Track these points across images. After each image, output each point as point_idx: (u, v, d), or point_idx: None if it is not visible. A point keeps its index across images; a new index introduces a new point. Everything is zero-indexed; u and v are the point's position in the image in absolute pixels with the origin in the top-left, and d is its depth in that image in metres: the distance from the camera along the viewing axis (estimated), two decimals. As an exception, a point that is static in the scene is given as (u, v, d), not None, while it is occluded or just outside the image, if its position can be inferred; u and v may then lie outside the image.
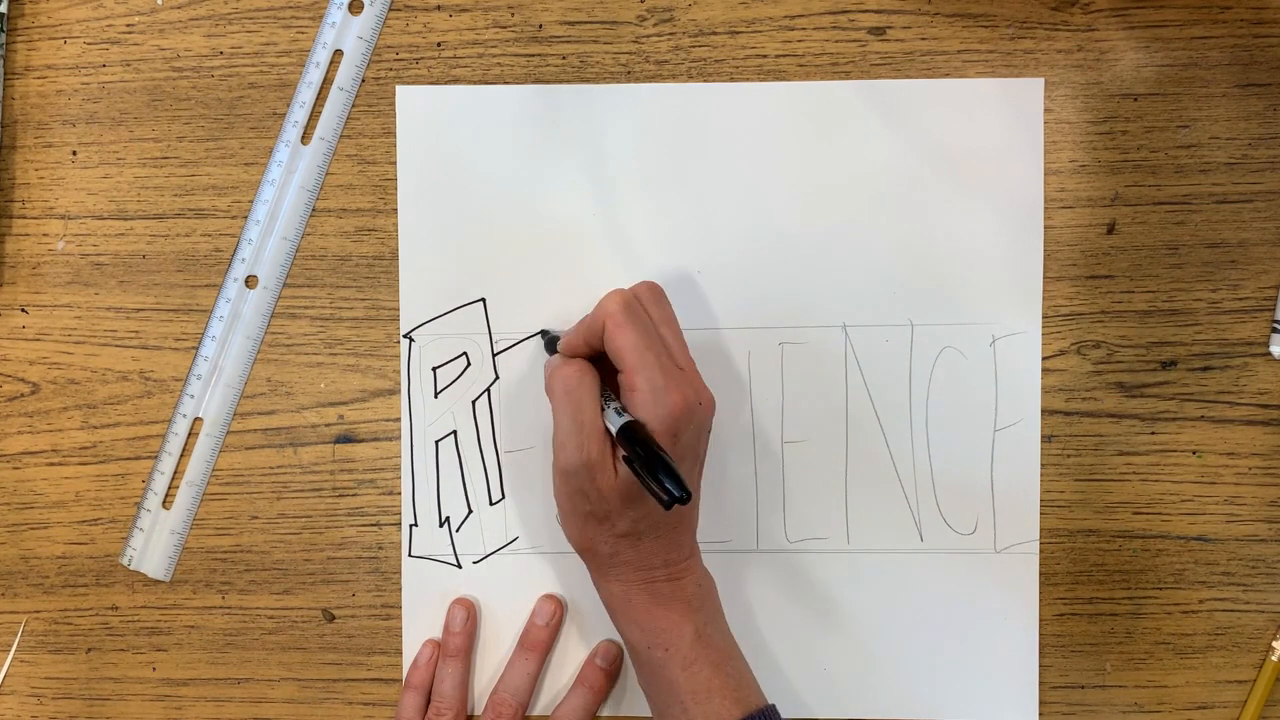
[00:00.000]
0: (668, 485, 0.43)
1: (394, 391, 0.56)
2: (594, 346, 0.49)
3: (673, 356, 0.49)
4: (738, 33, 0.55)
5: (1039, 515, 0.55)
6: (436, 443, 0.56)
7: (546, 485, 0.56)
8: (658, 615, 0.49)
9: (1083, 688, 0.56)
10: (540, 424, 0.55)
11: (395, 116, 0.55)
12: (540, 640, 0.55)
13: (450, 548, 0.56)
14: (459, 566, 0.56)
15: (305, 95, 0.55)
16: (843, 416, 0.55)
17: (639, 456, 0.45)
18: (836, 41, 0.55)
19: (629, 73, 0.55)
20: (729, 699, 0.48)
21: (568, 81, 0.55)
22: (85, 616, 0.57)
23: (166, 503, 0.56)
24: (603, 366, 0.49)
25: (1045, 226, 0.55)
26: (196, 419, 0.56)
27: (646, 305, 0.50)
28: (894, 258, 0.55)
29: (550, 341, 0.54)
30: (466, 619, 0.55)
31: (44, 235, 0.56)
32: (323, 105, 0.55)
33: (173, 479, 0.56)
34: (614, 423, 0.47)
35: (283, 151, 0.55)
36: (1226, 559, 0.55)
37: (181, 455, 0.56)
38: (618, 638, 0.55)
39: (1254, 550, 0.55)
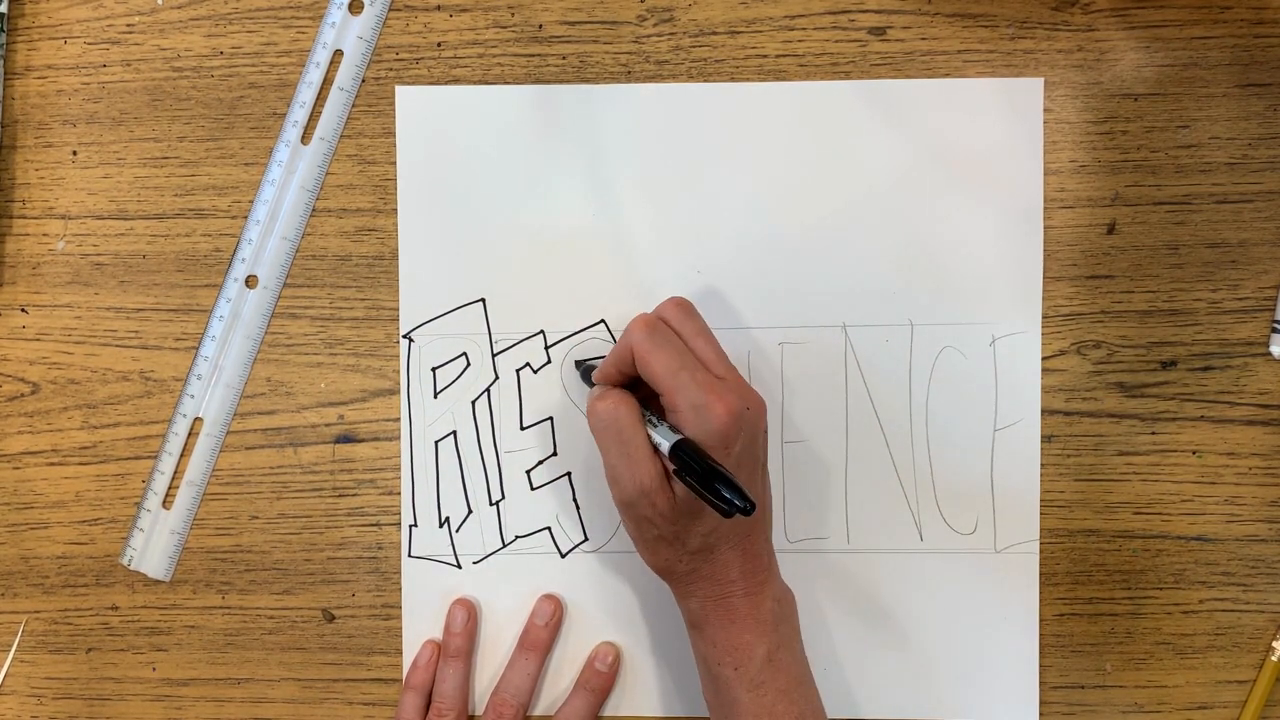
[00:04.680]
0: (727, 495, 0.43)
1: (394, 391, 0.56)
2: (627, 374, 0.49)
3: (710, 368, 0.48)
4: (738, 33, 0.55)
5: (1039, 515, 0.55)
6: (436, 443, 0.56)
7: (544, 488, 0.56)
8: (732, 633, 0.48)
9: (1083, 688, 0.56)
10: (540, 428, 0.56)
11: (395, 116, 0.55)
12: (540, 640, 0.55)
13: (450, 548, 0.56)
14: (459, 567, 0.56)
15: (305, 95, 0.55)
16: (843, 416, 0.55)
17: (694, 472, 0.44)
18: (836, 41, 0.55)
19: (629, 73, 0.55)
20: None
21: (568, 81, 0.55)
22: (85, 616, 0.57)
23: (166, 503, 0.56)
24: (642, 390, 0.49)
25: (1045, 226, 0.55)
26: (196, 419, 0.56)
27: (674, 323, 0.49)
28: (894, 258, 0.55)
29: (585, 371, 0.53)
30: (467, 619, 0.55)
31: (44, 235, 0.56)
32: (323, 105, 0.55)
33: (173, 479, 0.56)
34: (663, 444, 0.46)
35: (283, 151, 0.55)
36: (1226, 559, 0.55)
37: (181, 455, 0.56)
38: (618, 638, 0.55)
39: (1254, 550, 0.55)
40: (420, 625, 0.56)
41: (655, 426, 0.47)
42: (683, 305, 0.50)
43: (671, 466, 0.46)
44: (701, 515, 0.47)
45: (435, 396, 0.56)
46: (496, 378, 0.56)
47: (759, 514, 0.49)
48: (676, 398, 0.46)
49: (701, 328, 0.50)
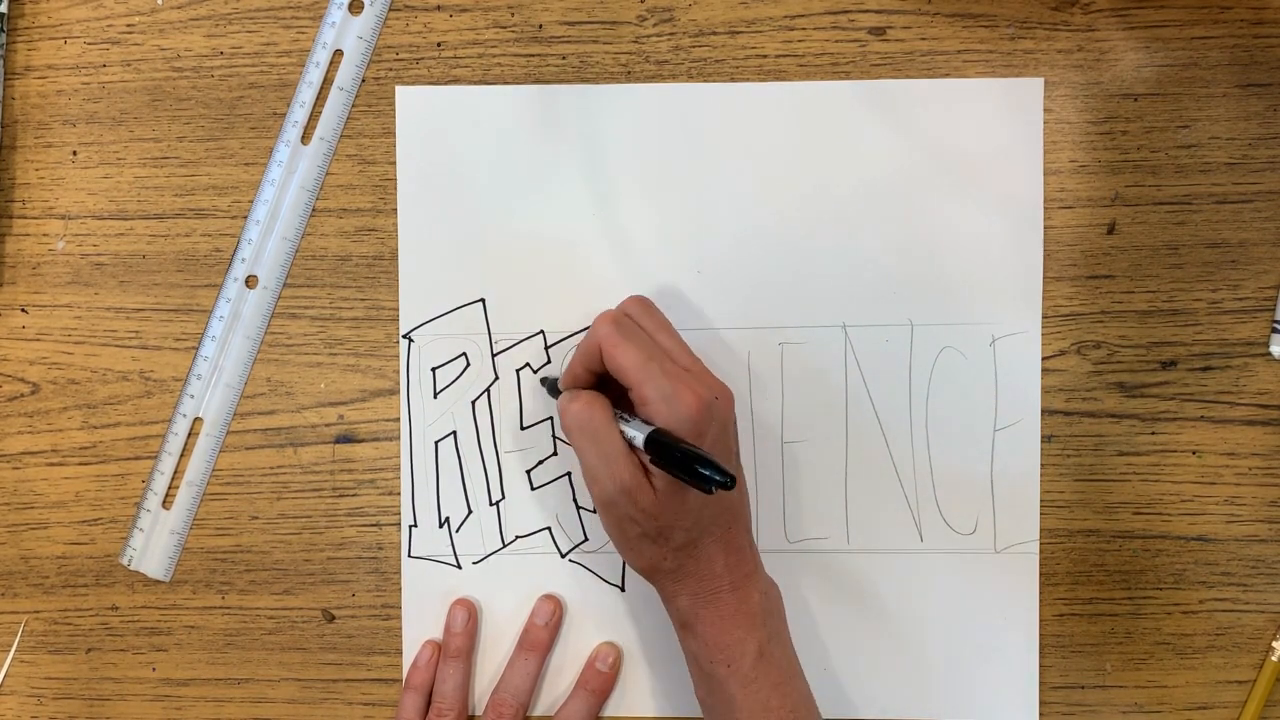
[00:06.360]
0: (707, 474, 0.43)
1: (394, 391, 0.56)
2: (595, 372, 0.49)
3: (676, 360, 0.48)
4: (738, 33, 0.55)
5: (1039, 515, 0.55)
6: (436, 443, 0.56)
7: (544, 488, 0.56)
8: (723, 630, 0.48)
9: (1083, 688, 0.56)
10: (540, 428, 0.56)
11: (395, 116, 0.55)
12: (540, 640, 0.55)
13: (450, 548, 0.56)
14: (459, 567, 0.56)
15: (305, 95, 0.55)
16: (843, 416, 0.55)
17: (671, 459, 0.44)
18: (836, 41, 0.55)
19: (629, 73, 0.55)
20: None
21: (568, 81, 0.55)
22: (85, 616, 0.57)
23: (166, 503, 0.56)
24: (611, 389, 0.49)
25: (1045, 226, 0.55)
26: (196, 419, 0.56)
27: (637, 318, 0.50)
28: (894, 258, 0.55)
29: (552, 385, 0.54)
30: (467, 620, 0.55)
31: (44, 235, 0.56)
32: (323, 105, 0.55)
33: (173, 479, 0.56)
34: (637, 437, 0.46)
35: (283, 151, 0.55)
36: (1226, 559, 0.55)
37: (181, 455, 0.56)
38: (618, 638, 0.55)
39: (1254, 550, 0.55)
40: (420, 625, 0.56)
41: (627, 422, 0.47)
42: (643, 301, 0.51)
43: (648, 457, 0.46)
44: (683, 508, 0.47)
45: (435, 396, 0.56)
46: (496, 378, 0.56)
47: (739, 505, 0.49)
48: (646, 389, 0.46)
49: (664, 323, 0.50)
